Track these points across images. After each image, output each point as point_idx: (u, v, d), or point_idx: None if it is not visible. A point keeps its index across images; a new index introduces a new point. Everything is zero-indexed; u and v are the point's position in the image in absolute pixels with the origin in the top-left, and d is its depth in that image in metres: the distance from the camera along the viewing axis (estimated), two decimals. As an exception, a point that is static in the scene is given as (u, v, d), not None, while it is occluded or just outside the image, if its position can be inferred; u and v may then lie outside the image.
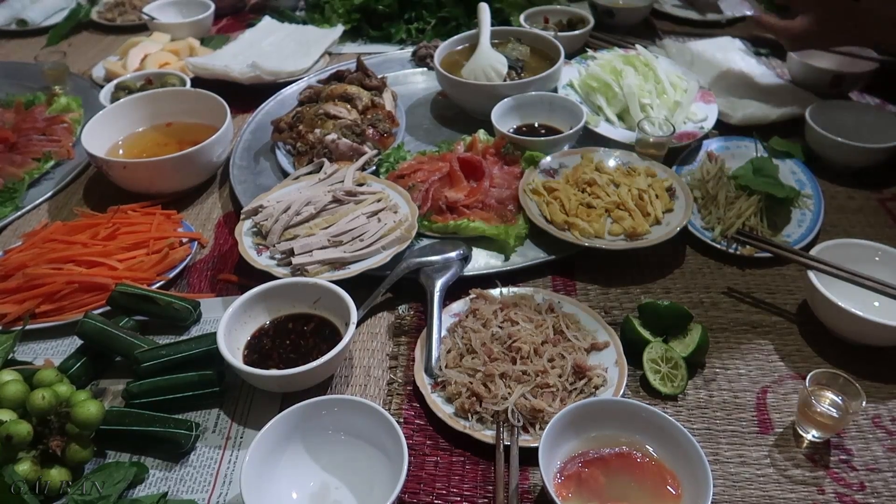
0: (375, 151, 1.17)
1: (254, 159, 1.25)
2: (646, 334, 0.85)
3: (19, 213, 1.16)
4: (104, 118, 1.21)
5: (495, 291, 0.93)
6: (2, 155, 1.23)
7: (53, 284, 0.92)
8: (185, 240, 1.04)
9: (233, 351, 0.81)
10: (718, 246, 1.01)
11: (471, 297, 0.92)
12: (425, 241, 1.02)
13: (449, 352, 0.84)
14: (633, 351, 0.84)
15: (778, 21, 1.24)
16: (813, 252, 0.91)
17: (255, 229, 1.01)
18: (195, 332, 0.92)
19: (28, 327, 0.89)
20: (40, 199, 1.19)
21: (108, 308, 0.91)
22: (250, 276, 0.95)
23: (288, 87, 1.44)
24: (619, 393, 0.79)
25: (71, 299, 0.92)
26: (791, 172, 1.14)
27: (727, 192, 1.07)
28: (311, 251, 0.95)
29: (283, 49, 1.58)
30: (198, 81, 1.41)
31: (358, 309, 0.84)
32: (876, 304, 0.88)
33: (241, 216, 1.03)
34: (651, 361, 0.83)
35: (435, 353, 0.84)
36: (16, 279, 0.94)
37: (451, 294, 0.93)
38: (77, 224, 1.06)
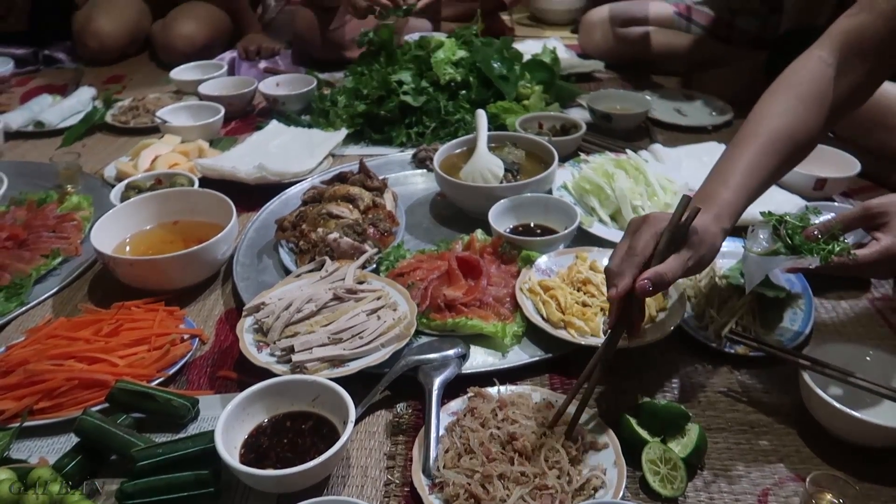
0: (376, 250, 1.21)
1: (257, 257, 1.28)
2: (644, 434, 0.85)
3: (24, 308, 1.18)
4: (113, 216, 1.25)
5: (493, 390, 0.94)
6: (11, 251, 1.26)
7: (53, 381, 0.92)
8: (186, 336, 1.06)
9: (230, 450, 0.80)
10: (713, 345, 1.02)
11: (469, 395, 0.93)
12: (424, 339, 1.04)
13: (447, 451, 0.84)
14: (631, 451, 0.84)
15: (850, 260, 0.92)
16: (806, 352, 0.93)
17: (256, 326, 1.03)
18: (193, 429, 0.92)
19: (25, 424, 0.89)
20: (45, 295, 1.21)
21: (107, 405, 0.91)
22: (250, 372, 0.96)
23: (292, 187, 1.49)
24: (618, 495, 0.78)
25: (70, 396, 0.92)
26: (781, 272, 1.17)
27: (719, 292, 1.10)
28: (311, 348, 0.96)
29: (288, 151, 1.64)
30: (205, 181, 1.46)
31: (356, 407, 0.84)
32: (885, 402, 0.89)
33: (243, 313, 1.05)
34: (650, 462, 0.82)
35: (433, 454, 0.83)
36: (16, 375, 0.95)
37: (449, 392, 0.93)
38: (81, 320, 1.07)
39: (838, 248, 0.90)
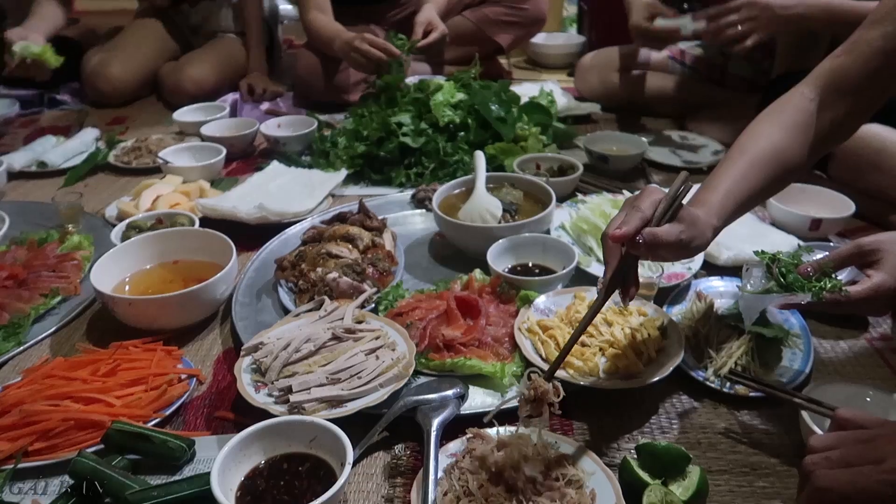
0: (375, 290, 1.21)
1: (256, 296, 1.28)
2: (644, 476, 0.84)
3: (21, 348, 1.17)
4: (113, 256, 1.26)
5: (492, 431, 0.93)
6: (10, 291, 1.26)
7: (49, 421, 0.92)
8: (183, 376, 1.05)
9: (226, 492, 0.80)
10: (712, 385, 1.02)
11: (467, 436, 0.92)
12: (422, 379, 1.03)
13: (445, 494, 0.83)
14: (632, 493, 0.83)
15: (842, 296, 0.94)
16: (805, 392, 0.92)
17: (254, 366, 1.02)
18: (188, 471, 0.91)
19: (19, 466, 0.88)
20: (43, 335, 1.21)
21: (103, 446, 0.90)
22: (247, 413, 0.95)
23: (292, 227, 1.50)
24: (619, 539, 0.77)
25: (66, 437, 0.91)
26: (779, 312, 1.17)
27: (718, 332, 1.10)
28: (309, 388, 0.96)
29: (289, 191, 1.66)
30: (206, 221, 1.47)
31: (354, 448, 0.84)
32: (873, 445, 0.88)
33: (242, 353, 1.05)
34: (651, 505, 0.81)
35: (431, 497, 0.82)
36: (12, 416, 0.94)
37: (447, 433, 0.93)
38: (78, 360, 1.07)
39: (830, 285, 0.92)
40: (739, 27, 1.61)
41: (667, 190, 0.89)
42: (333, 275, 1.20)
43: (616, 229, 0.86)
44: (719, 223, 0.92)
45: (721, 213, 0.92)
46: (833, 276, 0.95)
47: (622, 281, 0.90)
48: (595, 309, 0.90)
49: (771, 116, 1.02)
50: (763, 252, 1.00)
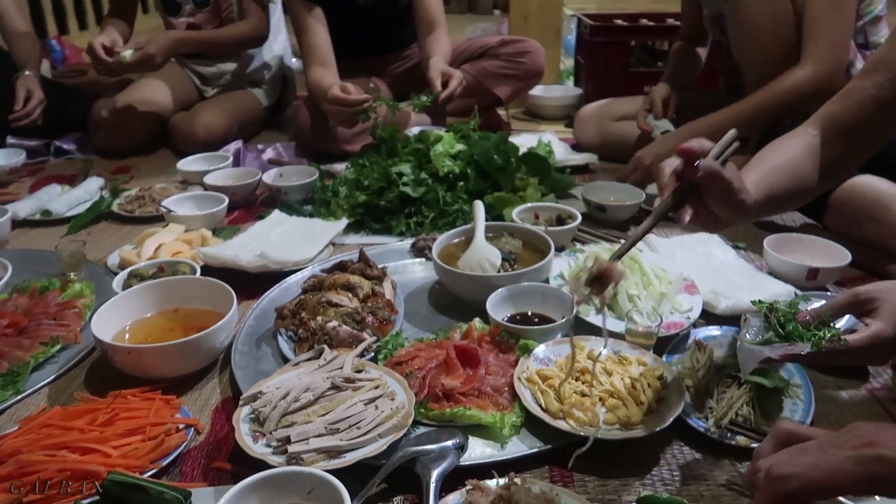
0: (374, 338, 1.21)
1: (256, 345, 1.28)
2: (646, 530, 0.83)
3: (19, 397, 1.17)
4: (114, 304, 1.26)
5: (492, 482, 0.92)
6: (10, 339, 1.26)
7: (45, 472, 0.91)
8: (181, 426, 1.05)
9: (222, 546, 0.78)
10: (713, 436, 1.01)
11: (467, 488, 0.91)
12: (421, 430, 1.03)
13: (444, 548, 0.81)
14: (634, 548, 0.82)
15: (841, 345, 0.93)
16: (807, 443, 0.92)
17: (252, 416, 1.02)
18: (184, 524, 0.90)
19: (13, 518, 0.87)
20: (42, 384, 1.20)
21: (98, 498, 0.89)
22: (245, 464, 0.95)
23: (293, 275, 1.51)
24: None
25: (62, 488, 0.90)
26: (777, 361, 1.17)
27: (718, 381, 1.10)
28: (307, 439, 0.95)
29: (290, 240, 1.67)
30: (207, 269, 1.48)
31: (352, 500, 0.83)
32: (877, 498, 0.87)
33: (240, 402, 1.04)
34: (653, 560, 0.80)
35: (430, 550, 0.81)
36: (7, 466, 0.93)
37: (447, 485, 0.92)
38: (76, 409, 1.06)
39: (829, 335, 0.92)
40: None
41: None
42: (333, 323, 1.21)
43: (686, 145, 0.91)
44: (755, 199, 0.97)
45: (757, 193, 0.98)
46: (831, 325, 0.96)
47: (678, 204, 0.95)
48: (645, 229, 0.95)
49: (783, 141, 1.11)
50: (760, 302, 1.01)
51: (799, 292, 1.33)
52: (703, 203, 0.96)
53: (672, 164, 0.94)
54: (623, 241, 1.53)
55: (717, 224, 1.00)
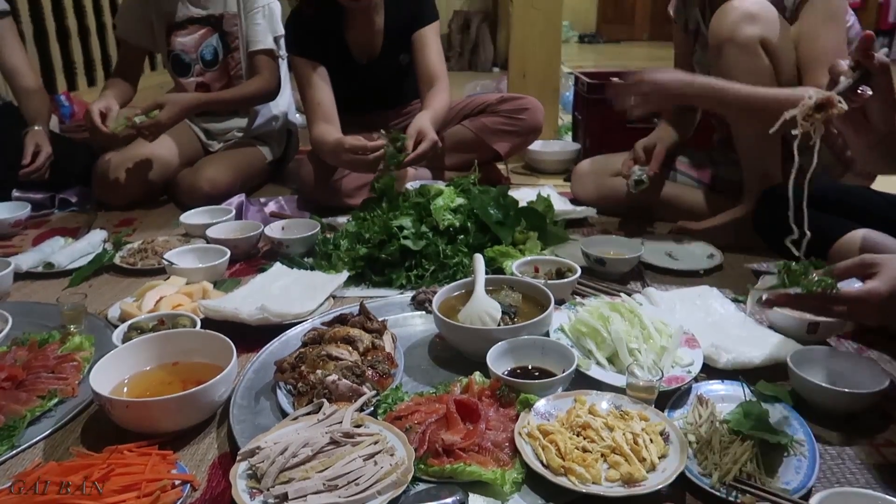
0: (374, 392, 1.20)
1: (254, 399, 1.27)
2: (651, 591, 0.81)
3: (14, 451, 1.15)
4: (113, 358, 1.26)
5: (492, 541, 0.90)
6: (8, 392, 1.26)
7: (37, 530, 0.89)
8: (177, 482, 1.03)
9: None
10: (717, 493, 1.00)
11: (467, 547, 0.89)
12: (421, 486, 1.01)
13: None
14: None
15: (831, 292, 1.05)
16: (813, 501, 0.90)
17: (250, 472, 1.00)
18: (177, 585, 0.88)
19: (2, 578, 0.85)
20: (37, 438, 1.19)
21: (90, 557, 0.87)
22: (241, 522, 0.93)
23: (293, 328, 1.51)
24: None
25: (53, 547, 0.89)
26: (782, 417, 1.16)
27: (721, 437, 1.08)
28: (305, 496, 0.94)
29: (290, 292, 1.68)
30: (208, 322, 1.48)
31: (350, 560, 0.81)
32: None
33: (238, 457, 1.03)
34: None
35: None
36: (-1, 524, 0.92)
37: (446, 544, 0.90)
38: (71, 465, 1.05)
39: (824, 283, 1.04)
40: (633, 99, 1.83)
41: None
42: (333, 377, 1.20)
43: (868, 32, 1.02)
44: None
45: None
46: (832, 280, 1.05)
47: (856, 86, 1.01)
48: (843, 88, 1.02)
49: None
50: (783, 263, 1.10)
51: (800, 346, 1.33)
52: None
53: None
54: (622, 294, 1.55)
55: (867, 134, 1.11)
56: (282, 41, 2.60)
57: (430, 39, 2.44)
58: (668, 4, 2.31)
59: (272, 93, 2.64)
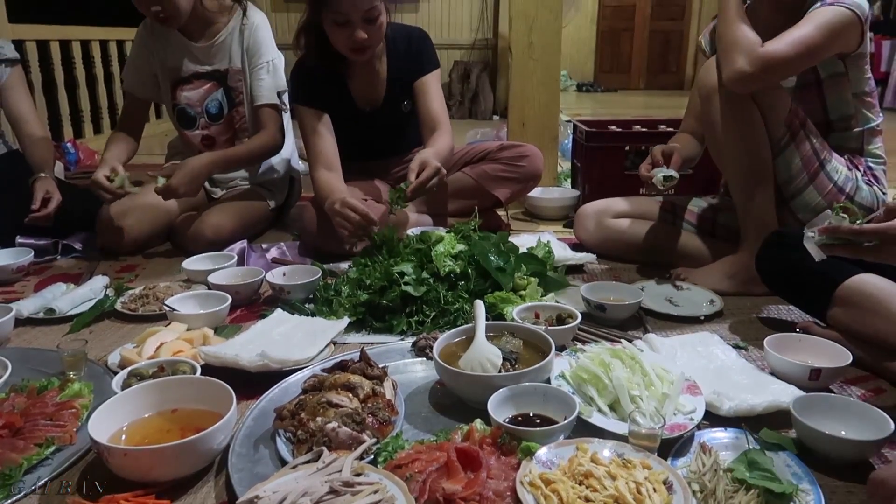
0: (374, 440, 1.19)
1: (254, 447, 1.26)
2: None
3: (9, 501, 1.14)
4: (112, 405, 1.25)
5: None
6: (5, 440, 1.24)
7: (30, 582, 0.88)
8: (174, 533, 1.02)
9: None
10: (723, 544, 0.98)
11: None
12: (421, 537, 1.00)
13: None
14: None
15: (856, 227, 1.27)
16: (819, 552, 0.89)
17: (248, 522, 0.99)
18: None
19: None
20: (33, 487, 1.17)
21: None
22: (238, 574, 0.91)
23: (293, 374, 1.50)
24: None
25: None
26: (786, 465, 1.15)
27: (725, 486, 1.07)
28: (304, 547, 0.92)
29: (291, 339, 1.68)
30: (208, 368, 1.47)
31: None
32: None
33: (236, 507, 1.02)
34: None
35: None
36: (-8, 576, 0.90)
37: None
38: (67, 514, 1.04)
39: (851, 219, 1.27)
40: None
41: None
42: (333, 424, 1.19)
43: None
44: None
45: None
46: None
47: None
48: None
49: None
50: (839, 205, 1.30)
51: (802, 392, 1.33)
52: None
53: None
54: (623, 340, 1.55)
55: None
56: (285, 95, 2.66)
57: (432, 86, 2.50)
58: (701, 34, 2.34)
59: (278, 146, 2.67)
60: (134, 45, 2.72)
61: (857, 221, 1.26)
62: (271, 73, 2.61)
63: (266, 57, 2.60)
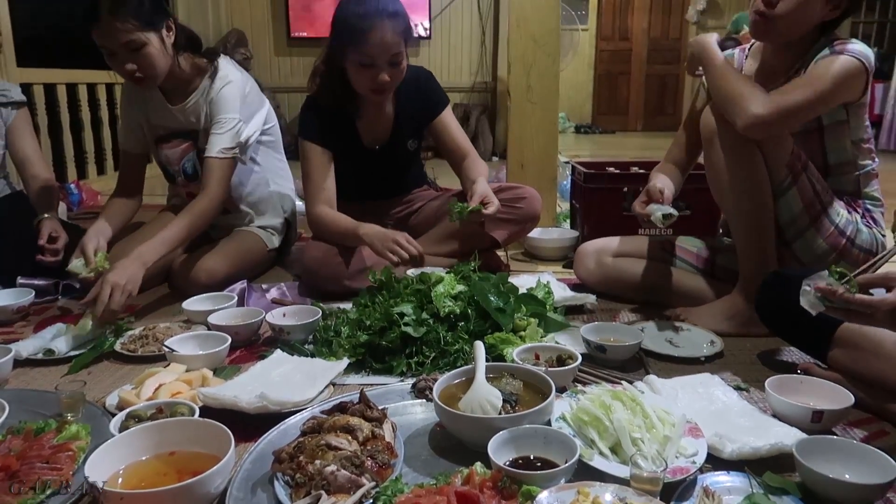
0: (373, 483, 1.18)
1: (251, 491, 1.24)
2: None
3: (2, 547, 1.12)
4: (109, 447, 1.24)
5: None
6: (1, 483, 1.23)
7: None
8: (169, 579, 1.00)
9: None
10: (727, 592, 0.97)
11: None
12: (421, 584, 0.98)
13: None
14: None
15: (850, 295, 1.32)
16: None
17: (244, 568, 0.97)
18: None
19: None
20: (27, 532, 1.16)
21: None
22: None
23: (292, 416, 1.49)
24: None
25: None
26: (789, 510, 1.14)
27: (729, 531, 1.06)
28: None
29: (290, 380, 1.67)
30: (206, 410, 1.46)
31: None
32: None
33: (233, 553, 1.00)
34: None
35: None
36: None
37: None
38: (61, 560, 1.02)
39: (845, 284, 1.32)
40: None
41: None
42: (331, 468, 1.18)
43: None
44: None
45: None
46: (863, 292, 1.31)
47: None
48: None
49: None
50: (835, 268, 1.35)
51: (804, 435, 1.32)
52: None
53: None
54: (623, 382, 1.55)
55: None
56: (249, 149, 2.61)
57: (449, 121, 2.61)
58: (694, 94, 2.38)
59: (221, 202, 2.51)
60: (122, 99, 2.71)
61: (853, 290, 1.31)
62: (225, 128, 2.46)
63: (222, 114, 2.46)
